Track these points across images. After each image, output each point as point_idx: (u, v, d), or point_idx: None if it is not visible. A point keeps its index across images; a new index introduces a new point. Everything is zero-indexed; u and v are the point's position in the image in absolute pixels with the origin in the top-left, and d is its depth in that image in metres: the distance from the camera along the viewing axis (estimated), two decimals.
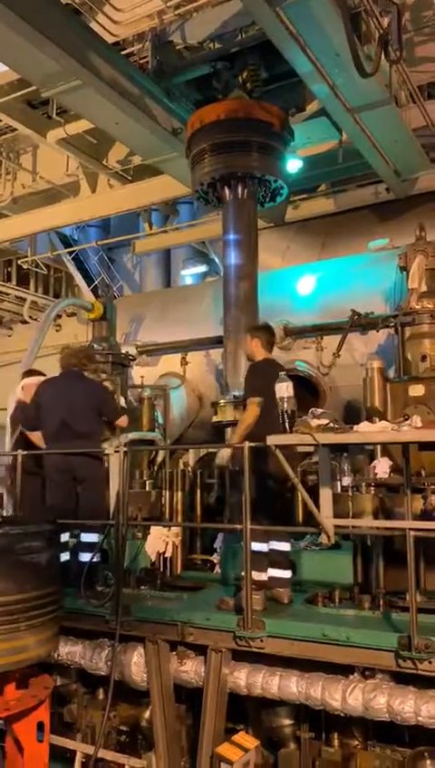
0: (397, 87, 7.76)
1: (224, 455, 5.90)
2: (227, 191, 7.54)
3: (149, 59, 8.13)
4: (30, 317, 15.55)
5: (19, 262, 15.43)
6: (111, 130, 8.53)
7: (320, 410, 3.92)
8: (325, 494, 4.15)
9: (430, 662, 3.85)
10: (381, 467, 5.55)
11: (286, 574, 5.01)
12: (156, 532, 6.17)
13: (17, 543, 3.85)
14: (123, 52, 8.73)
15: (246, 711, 4.88)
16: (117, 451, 4.91)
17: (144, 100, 7.95)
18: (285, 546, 5.02)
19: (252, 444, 4.42)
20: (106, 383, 7.45)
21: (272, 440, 3.94)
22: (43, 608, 3.95)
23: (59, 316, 16.72)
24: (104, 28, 8.31)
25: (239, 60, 7.88)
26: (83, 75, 7.11)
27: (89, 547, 5.42)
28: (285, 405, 3.90)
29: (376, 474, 5.53)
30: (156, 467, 7.73)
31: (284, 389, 3.94)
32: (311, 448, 5.46)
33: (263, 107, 7.53)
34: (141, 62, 8.78)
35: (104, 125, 8.39)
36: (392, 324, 7.09)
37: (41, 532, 4.01)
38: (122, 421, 6.07)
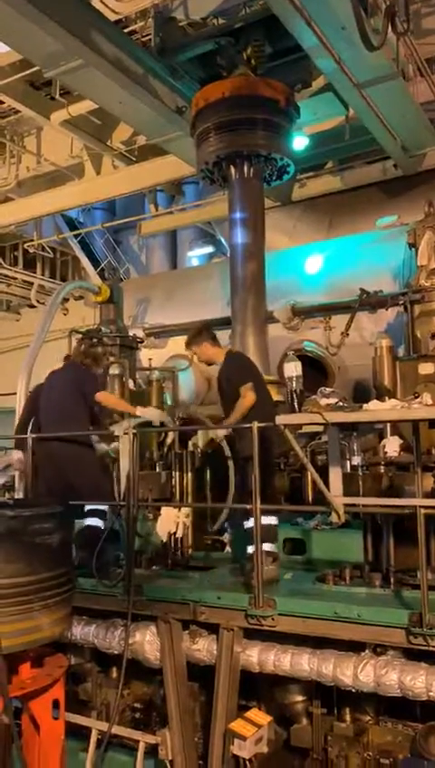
0: (404, 61, 7.63)
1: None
2: (232, 170, 7.47)
3: (152, 36, 8.01)
4: (37, 301, 15.57)
5: (25, 246, 15.41)
6: (114, 110, 8.45)
7: (329, 389, 3.91)
8: (335, 474, 4.14)
9: None
10: (392, 446, 5.54)
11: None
12: (167, 512, 6.19)
13: (29, 525, 3.87)
14: (126, 30, 8.62)
15: (259, 688, 4.93)
16: (126, 433, 4.92)
17: (147, 79, 7.86)
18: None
19: (261, 425, 4.41)
20: (114, 366, 7.44)
21: (282, 420, 3.93)
22: (55, 588, 3.98)
23: (66, 300, 16.77)
24: (106, 5, 8.17)
25: (243, 35, 7.74)
26: (86, 54, 7.03)
27: (92, 530, 5.46)
28: (294, 384, 3.88)
29: (386, 452, 5.52)
30: (165, 449, 7.75)
31: (292, 369, 3.92)
32: (320, 428, 5.45)
33: (268, 83, 7.42)
34: (144, 39, 8.66)
35: (107, 105, 8.31)
36: (401, 302, 7.06)
37: (52, 514, 4.03)
38: (102, 396, 5.77)
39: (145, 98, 7.94)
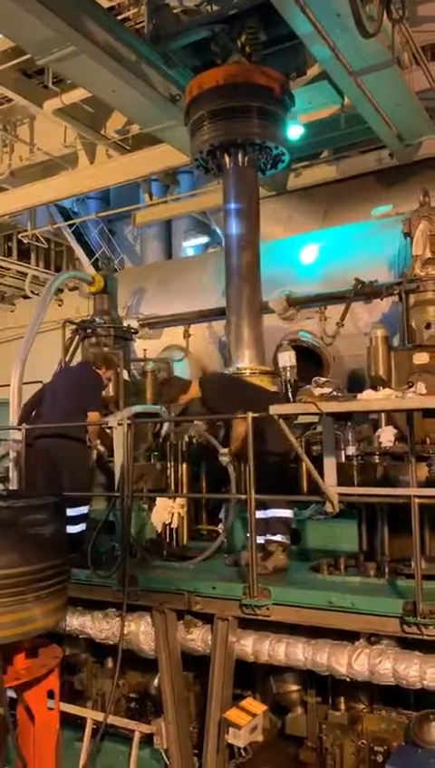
0: (400, 48, 7.58)
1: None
2: (226, 159, 7.42)
3: (146, 23, 7.92)
4: (32, 292, 15.49)
5: (19, 236, 15.31)
6: (107, 98, 8.37)
7: (323, 379, 3.89)
8: (329, 463, 4.14)
9: None
10: (386, 436, 5.53)
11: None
12: (161, 503, 6.19)
13: (22, 516, 3.86)
14: (119, 17, 8.54)
15: (254, 677, 4.95)
16: (120, 424, 4.90)
17: (141, 67, 7.79)
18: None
19: (255, 414, 4.40)
20: (108, 357, 7.39)
21: (275, 410, 3.91)
22: (49, 579, 3.97)
23: (61, 290, 16.69)
24: None
25: (238, 23, 7.65)
26: (78, 41, 6.95)
27: (74, 520, 5.49)
28: (288, 374, 3.86)
29: (380, 442, 5.52)
30: (161, 440, 7.73)
31: (286, 359, 3.90)
32: (316, 418, 5.44)
33: (262, 71, 7.36)
34: (137, 26, 8.58)
35: (101, 93, 8.24)
36: (397, 292, 7.03)
37: (46, 505, 4.02)
38: (92, 416, 5.82)
39: (138, 86, 7.87)
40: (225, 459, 5.18)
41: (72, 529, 5.47)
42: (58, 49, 7.09)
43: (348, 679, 4.20)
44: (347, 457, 5.83)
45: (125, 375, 7.71)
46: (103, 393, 6.56)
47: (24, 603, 3.86)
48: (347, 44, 6.79)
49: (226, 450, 5.09)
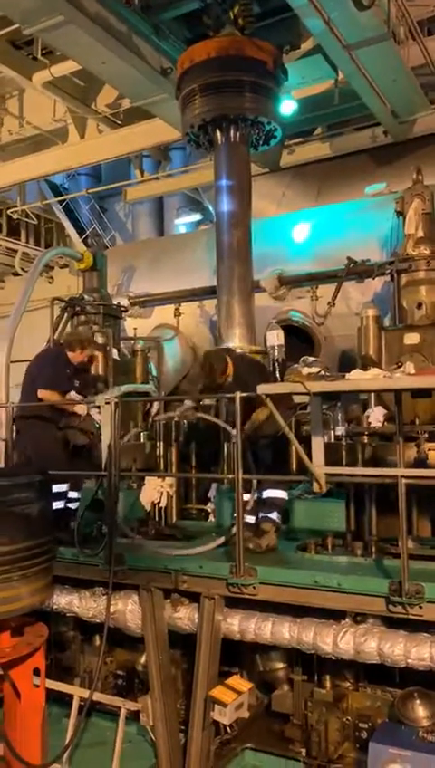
0: (395, 22, 7.41)
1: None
2: (218, 134, 7.28)
3: None
4: (22, 269, 15.35)
5: (8, 212, 15.11)
6: (97, 71, 8.21)
7: (311, 358, 3.86)
8: (317, 443, 4.11)
9: (420, 606, 3.88)
10: (375, 416, 5.52)
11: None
12: (151, 482, 6.17)
13: (7, 494, 3.82)
14: None
15: (241, 655, 4.97)
16: (107, 403, 4.85)
17: (131, 38, 7.62)
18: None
19: (244, 394, 4.36)
20: (97, 335, 7.33)
21: (262, 389, 3.87)
22: (35, 558, 3.95)
23: (51, 268, 16.53)
24: None
25: None
26: (66, 10, 6.79)
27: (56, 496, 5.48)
28: (276, 353, 3.81)
29: (370, 423, 5.50)
30: (151, 419, 7.69)
31: (274, 338, 3.85)
32: (306, 398, 5.41)
33: (255, 44, 7.19)
34: None
35: (90, 65, 8.07)
36: (389, 271, 6.96)
37: (31, 483, 3.98)
38: (42, 394, 5.71)
39: (129, 58, 7.72)
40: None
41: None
42: (46, 18, 6.94)
43: (333, 657, 4.22)
44: (336, 437, 5.82)
45: (114, 354, 7.63)
46: (87, 373, 6.49)
47: (10, 582, 3.84)
48: (342, 17, 6.65)
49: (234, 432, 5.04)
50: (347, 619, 4.25)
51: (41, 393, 5.69)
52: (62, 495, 5.70)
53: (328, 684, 4.60)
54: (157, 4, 7.66)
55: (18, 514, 3.89)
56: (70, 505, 5.81)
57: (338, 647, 4.13)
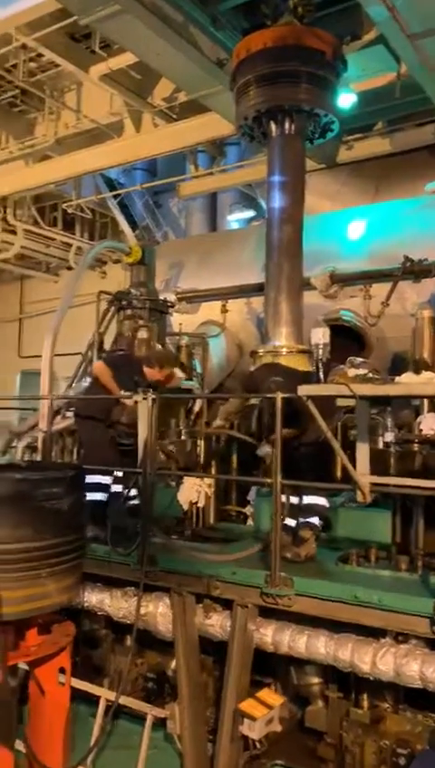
0: None
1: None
2: (273, 126, 7.05)
3: None
4: (76, 263, 15.45)
5: (64, 206, 15.24)
6: (152, 62, 8.09)
7: (359, 359, 3.61)
8: (362, 450, 3.87)
9: None
10: (428, 424, 5.22)
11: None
12: (189, 481, 6.03)
13: (37, 489, 3.73)
14: None
15: (275, 665, 4.77)
16: (145, 398, 4.71)
17: (187, 28, 7.45)
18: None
19: (285, 395, 4.14)
20: (142, 330, 7.23)
21: (303, 390, 3.66)
22: (64, 555, 3.87)
23: (104, 263, 16.64)
24: None
25: None
26: (122, 0, 6.68)
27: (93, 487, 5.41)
28: (320, 353, 3.59)
29: (422, 430, 5.21)
30: (193, 417, 7.56)
31: (319, 335, 3.63)
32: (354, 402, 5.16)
33: (314, 33, 6.92)
34: None
35: (145, 56, 7.96)
36: None
37: (62, 478, 3.87)
38: (99, 367, 5.76)
39: (184, 49, 7.54)
40: (263, 452, 4.95)
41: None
42: (102, 8, 6.84)
43: (371, 678, 3.98)
44: (385, 444, 5.55)
45: (158, 348, 7.51)
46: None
47: (38, 579, 3.77)
48: (407, 3, 6.32)
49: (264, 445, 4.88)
50: (388, 638, 4.01)
51: (96, 366, 5.62)
52: (105, 488, 5.61)
53: (365, 703, 4.36)
54: None
55: (48, 510, 3.79)
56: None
57: (377, 667, 3.89)
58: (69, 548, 3.91)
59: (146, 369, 5.73)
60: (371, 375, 3.55)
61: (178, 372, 6.54)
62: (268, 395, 4.28)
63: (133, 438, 5.24)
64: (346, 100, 8.24)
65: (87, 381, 7.12)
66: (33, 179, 13.27)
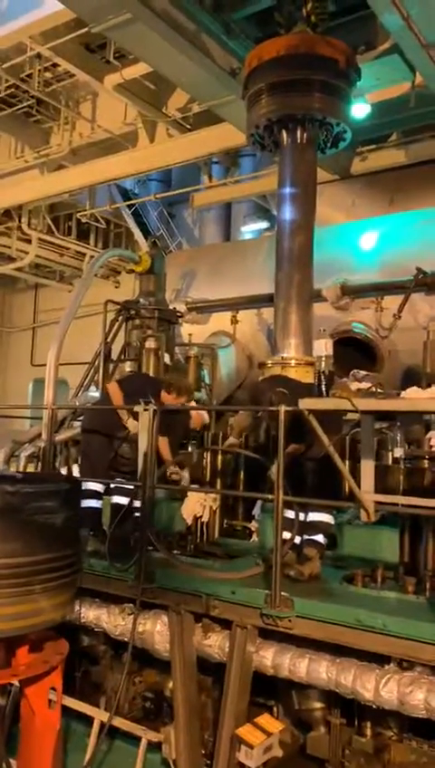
0: None
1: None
2: (284, 134, 6.96)
3: None
4: None
5: (78, 215, 15.27)
6: (164, 70, 8.06)
7: (362, 372, 3.47)
8: (367, 467, 3.72)
9: None
10: None
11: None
12: (193, 495, 5.89)
13: (29, 502, 3.61)
14: None
15: (277, 688, 4.60)
16: (146, 409, 4.60)
17: (200, 37, 7.41)
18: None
19: (289, 408, 4.00)
20: (149, 340, 7.14)
21: (304, 404, 3.52)
22: (57, 570, 3.74)
23: (118, 272, 16.63)
24: None
25: None
26: (133, 7, 6.65)
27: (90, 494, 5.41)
28: (323, 365, 3.46)
29: (432, 446, 5.04)
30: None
31: (321, 347, 3.50)
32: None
33: (327, 42, 6.83)
34: None
35: (157, 64, 7.93)
36: None
37: (56, 492, 3.76)
38: (112, 387, 5.81)
39: (197, 57, 7.50)
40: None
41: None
42: (113, 16, 6.81)
43: (374, 706, 3.80)
44: (394, 460, 5.39)
45: (166, 359, 7.41)
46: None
47: (31, 595, 3.65)
48: (422, 13, 6.22)
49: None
50: (392, 664, 3.82)
51: (110, 386, 5.65)
52: (94, 495, 5.56)
53: (369, 731, 4.18)
54: (228, 2, 7.43)
55: (41, 524, 3.68)
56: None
57: (380, 695, 3.72)
58: (63, 563, 3.78)
59: (163, 394, 5.66)
60: (374, 389, 3.41)
61: (205, 415, 6.53)
62: (270, 408, 4.15)
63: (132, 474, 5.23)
64: (361, 110, 8.16)
65: (93, 391, 7.04)
66: (48, 189, 13.34)
